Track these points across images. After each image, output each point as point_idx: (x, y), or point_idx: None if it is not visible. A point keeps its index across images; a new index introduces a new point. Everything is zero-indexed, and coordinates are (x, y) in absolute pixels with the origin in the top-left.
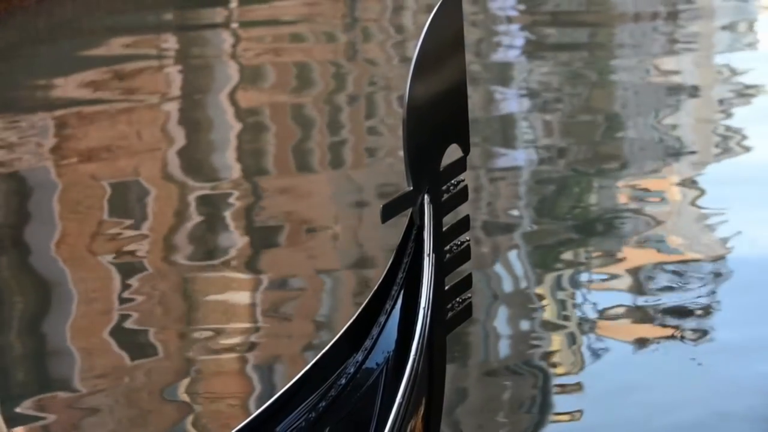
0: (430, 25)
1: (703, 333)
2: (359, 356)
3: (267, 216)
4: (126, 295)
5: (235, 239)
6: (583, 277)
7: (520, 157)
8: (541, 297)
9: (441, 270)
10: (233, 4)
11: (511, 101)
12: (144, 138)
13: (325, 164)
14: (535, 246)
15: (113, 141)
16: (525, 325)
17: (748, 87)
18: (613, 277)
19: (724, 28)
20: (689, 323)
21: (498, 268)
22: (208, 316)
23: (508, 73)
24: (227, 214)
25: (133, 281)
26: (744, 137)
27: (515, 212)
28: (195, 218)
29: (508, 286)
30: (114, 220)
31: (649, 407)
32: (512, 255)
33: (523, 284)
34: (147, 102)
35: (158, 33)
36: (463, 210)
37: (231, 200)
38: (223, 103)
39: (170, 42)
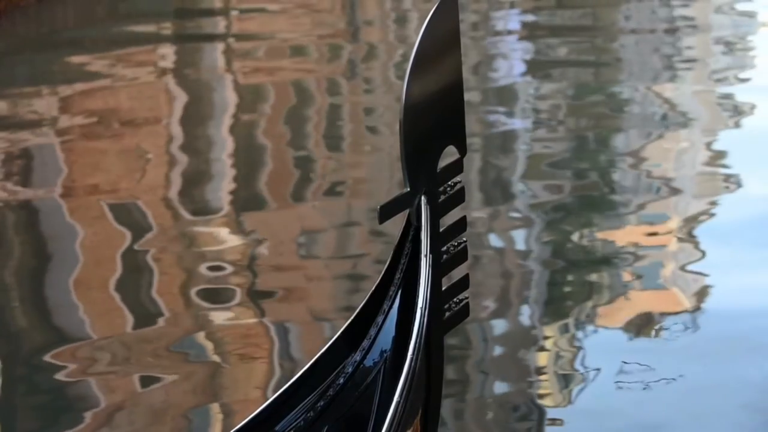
0: (426, 26)
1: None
2: (357, 356)
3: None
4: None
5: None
6: (573, 316)
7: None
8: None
9: (438, 270)
10: (233, 12)
11: (506, 119)
12: (140, 153)
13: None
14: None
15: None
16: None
17: (741, 109)
18: (603, 317)
19: (722, 43)
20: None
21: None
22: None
23: (507, 93)
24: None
25: None
26: (736, 171)
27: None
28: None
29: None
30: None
31: None
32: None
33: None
34: (143, 116)
35: (156, 43)
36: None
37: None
38: (222, 120)
39: (168, 53)
